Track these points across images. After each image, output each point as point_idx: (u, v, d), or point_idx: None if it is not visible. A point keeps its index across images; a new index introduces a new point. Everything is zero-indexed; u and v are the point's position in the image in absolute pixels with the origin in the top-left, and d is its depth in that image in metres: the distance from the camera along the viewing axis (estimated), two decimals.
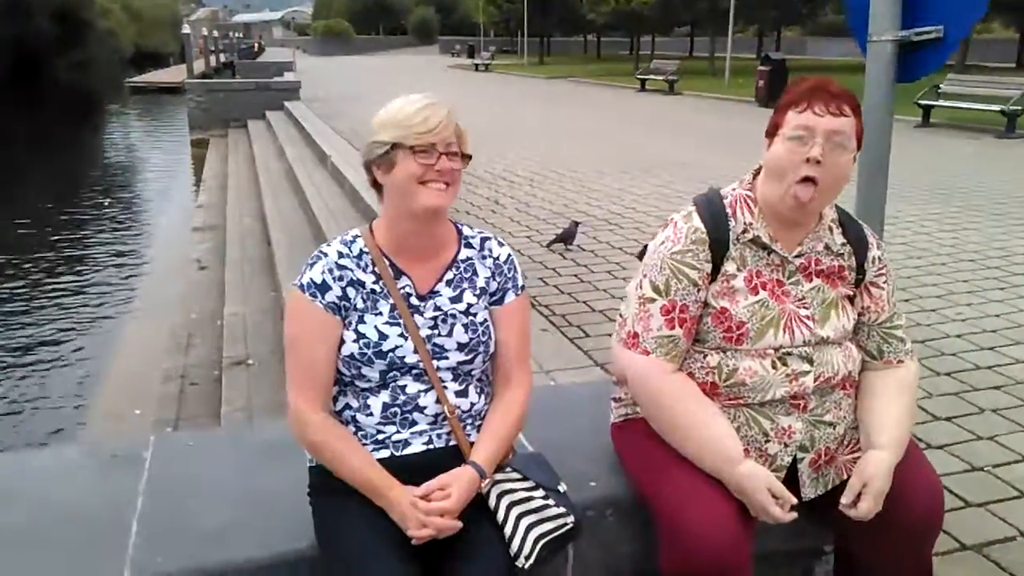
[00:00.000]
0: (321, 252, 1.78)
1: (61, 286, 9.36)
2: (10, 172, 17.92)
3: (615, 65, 41.44)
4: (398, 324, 1.75)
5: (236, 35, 77.36)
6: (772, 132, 1.87)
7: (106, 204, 14.36)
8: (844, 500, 1.81)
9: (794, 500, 1.79)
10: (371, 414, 1.76)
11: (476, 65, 44.28)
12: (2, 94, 34.50)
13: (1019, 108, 13.66)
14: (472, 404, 1.83)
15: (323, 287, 1.73)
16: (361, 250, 1.78)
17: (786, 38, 53.52)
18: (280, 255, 7.60)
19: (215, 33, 55.50)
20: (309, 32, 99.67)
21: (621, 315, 2.01)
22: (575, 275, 5.74)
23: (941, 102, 14.86)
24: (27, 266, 10.09)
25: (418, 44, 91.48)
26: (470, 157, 1.77)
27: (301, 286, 1.75)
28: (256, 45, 71.57)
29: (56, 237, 11.60)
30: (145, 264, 10.54)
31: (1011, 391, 3.80)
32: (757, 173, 1.95)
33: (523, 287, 1.91)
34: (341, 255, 1.77)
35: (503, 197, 8.61)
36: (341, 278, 1.74)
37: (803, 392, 1.87)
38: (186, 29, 39.54)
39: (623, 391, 2.09)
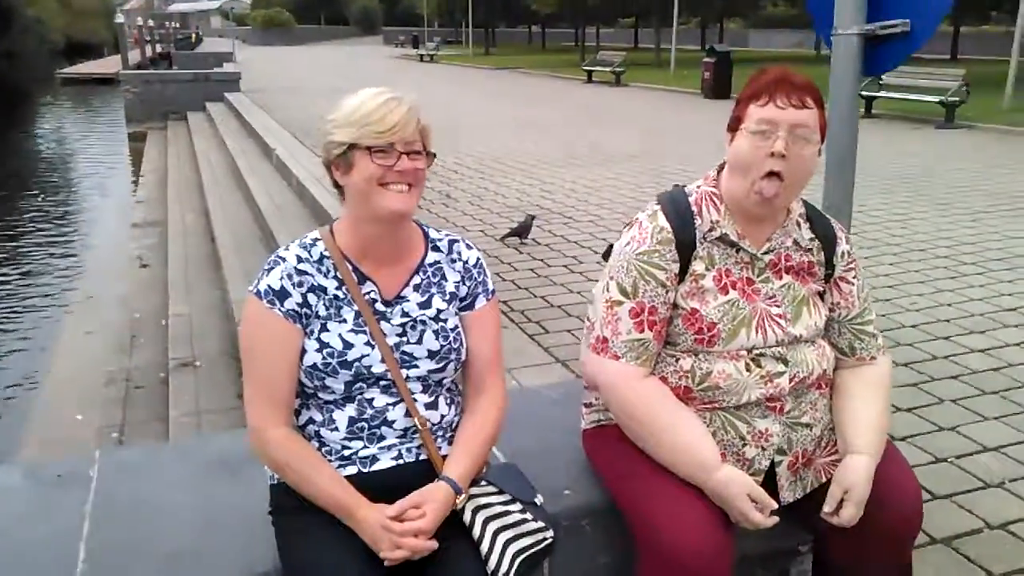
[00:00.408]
0: (279, 257, 1.66)
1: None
2: None
3: (561, 56, 41.49)
4: (364, 331, 1.64)
5: (173, 25, 75.28)
6: (734, 126, 1.81)
7: (39, 200, 13.82)
8: (826, 508, 1.77)
9: (774, 505, 1.74)
10: (336, 429, 1.65)
11: (421, 56, 43.93)
12: None
13: (956, 99, 14.01)
14: (442, 416, 1.73)
15: (282, 294, 1.62)
16: (322, 254, 1.67)
17: (729, 30, 54.20)
18: (225, 252, 7.38)
19: (151, 22, 53.88)
20: (249, 22, 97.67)
21: (589, 319, 1.94)
22: (531, 269, 5.67)
23: (883, 93, 15.17)
24: None
25: (361, 35, 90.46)
26: (434, 155, 1.66)
27: (258, 293, 1.62)
28: (193, 35, 69.85)
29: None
30: (83, 263, 10.15)
31: (968, 380, 3.85)
32: (721, 169, 1.90)
33: (493, 291, 1.82)
34: (300, 259, 1.65)
35: (455, 190, 8.50)
36: (301, 284, 1.63)
37: (779, 393, 1.82)
38: (120, 18, 38.35)
39: (594, 396, 2.02)
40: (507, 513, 1.65)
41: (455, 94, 22.49)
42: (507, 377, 3.82)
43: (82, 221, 12.41)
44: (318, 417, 1.67)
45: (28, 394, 6.31)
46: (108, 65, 41.50)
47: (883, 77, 15.08)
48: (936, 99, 14.21)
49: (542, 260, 5.87)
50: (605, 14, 44.34)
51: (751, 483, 1.74)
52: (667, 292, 1.81)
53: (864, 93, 15.07)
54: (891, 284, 5.31)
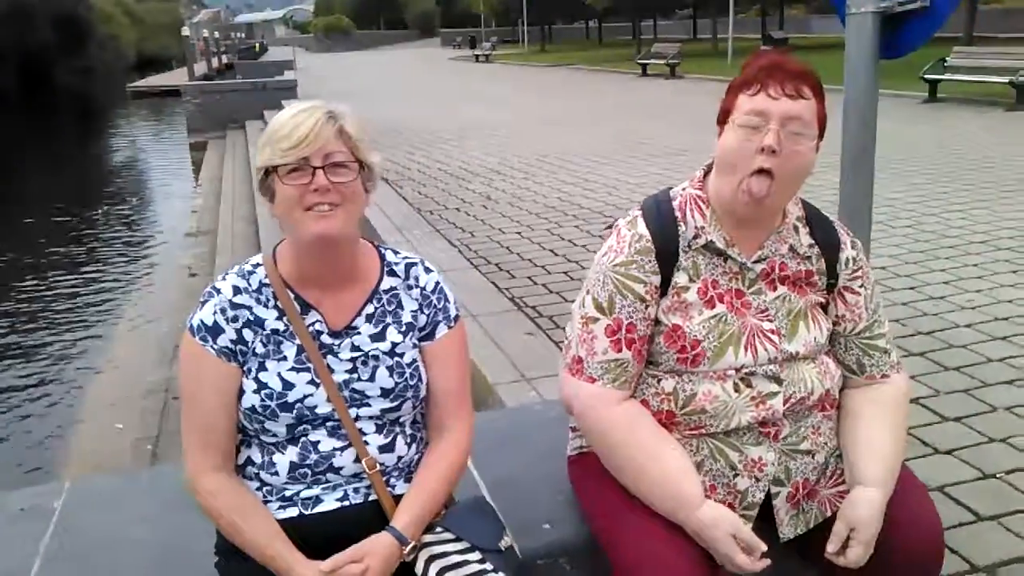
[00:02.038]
0: (213, 288, 1.52)
1: (53, 293, 9.20)
2: (10, 182, 17.82)
3: (617, 51, 40.98)
4: (307, 369, 1.49)
5: (238, 36, 77.14)
6: (723, 119, 1.63)
7: (104, 211, 14.21)
8: (830, 548, 1.57)
9: (764, 547, 1.55)
10: (276, 473, 1.52)
11: (476, 56, 43.94)
12: (10, 103, 34.50)
13: None
14: (400, 457, 1.58)
15: (214, 330, 1.48)
16: (261, 282, 1.51)
17: (790, 16, 52.76)
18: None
19: (216, 34, 55.23)
20: (310, 29, 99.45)
21: (567, 337, 1.78)
22: (565, 272, 5.51)
23: (948, 76, 14.47)
24: (22, 273, 9.95)
25: (419, 37, 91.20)
26: (368, 167, 1.48)
27: (191, 328, 1.49)
28: (257, 45, 71.41)
29: (52, 245, 11.44)
30: (138, 272, 10.36)
31: None
32: (709, 170, 1.72)
33: (456, 316, 1.64)
34: (237, 291, 1.50)
35: (495, 192, 8.38)
36: (235, 319, 1.49)
37: (772, 417, 1.64)
38: (186, 31, 39.45)
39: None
40: (464, 563, 1.49)
41: (504, 93, 22.40)
42: (525, 388, 3.70)
43: (140, 231, 12.70)
44: (258, 458, 1.54)
45: (73, 401, 6.42)
46: (175, 77, 42.64)
47: (948, 59, 14.43)
48: (1005, 80, 13.47)
49: (577, 263, 5.70)
50: (661, 5, 43.64)
51: (737, 522, 1.56)
52: (647, 307, 1.64)
53: (928, 76, 14.43)
54: (946, 280, 4.98)
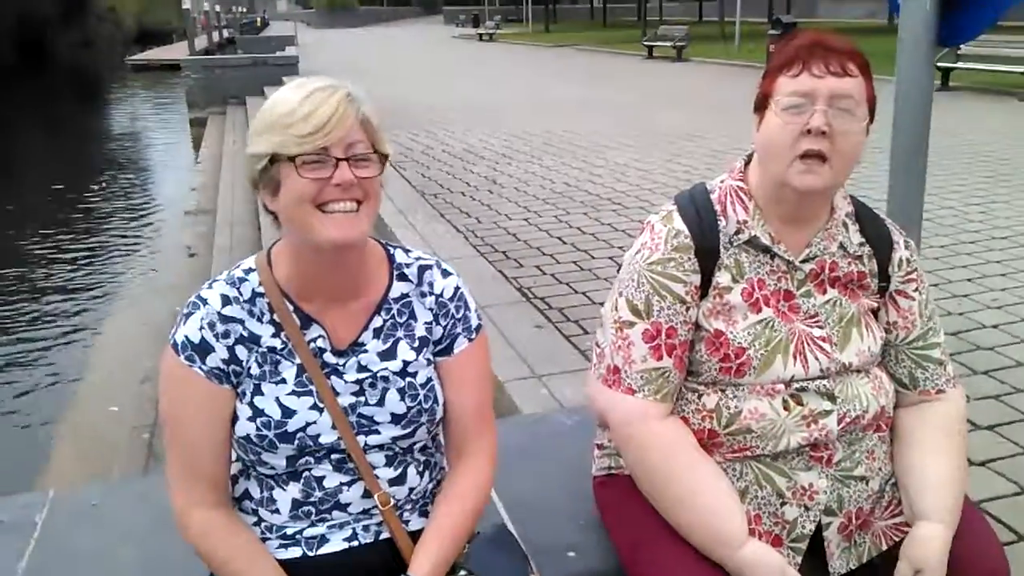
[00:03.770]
0: (199, 298, 1.31)
1: (49, 272, 9.05)
2: (7, 157, 17.60)
3: (622, 32, 40.54)
4: (308, 392, 1.31)
5: (240, 9, 76.37)
6: (761, 104, 1.47)
7: (101, 187, 14.01)
8: None
9: None
10: (277, 511, 1.35)
11: (480, 35, 43.48)
12: (9, 76, 34.13)
13: None
14: (412, 488, 1.40)
15: (202, 348, 1.28)
16: (254, 291, 1.31)
17: (797, 1, 52.26)
18: (267, 240, 7.24)
19: (217, 8, 54.68)
20: (313, 4, 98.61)
21: (598, 344, 1.63)
22: (574, 262, 5.34)
23: (961, 64, 14.23)
24: (17, 251, 9.78)
25: (423, 14, 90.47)
26: (386, 156, 1.28)
27: (174, 345, 1.30)
28: (259, 19, 70.76)
29: (48, 222, 11.26)
30: (136, 251, 10.21)
31: None
32: (749, 160, 1.56)
33: (479, 327, 1.45)
34: (226, 301, 1.30)
35: (500, 175, 8.19)
36: (227, 334, 1.29)
37: (825, 438, 1.49)
38: (187, 4, 38.93)
39: (607, 437, 1.70)
40: None
41: (509, 73, 22.11)
42: (536, 386, 3.55)
43: (139, 208, 12.52)
44: (256, 493, 1.37)
45: (68, 383, 6.29)
46: (176, 51, 42.17)
47: (961, 46, 14.18)
48: (1021, 69, 13.24)
49: (586, 251, 5.53)
50: None
51: (782, 566, 1.41)
52: (687, 309, 1.49)
53: (940, 64, 14.17)
54: (969, 277, 4.82)
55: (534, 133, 10.87)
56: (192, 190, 12.05)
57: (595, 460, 1.77)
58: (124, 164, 17.07)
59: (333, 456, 1.32)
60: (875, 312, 1.59)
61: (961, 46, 14.37)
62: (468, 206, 6.93)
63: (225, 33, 49.76)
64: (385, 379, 1.35)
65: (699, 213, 1.53)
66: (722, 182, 1.58)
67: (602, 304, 1.65)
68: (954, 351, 3.76)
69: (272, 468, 1.32)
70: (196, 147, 16.18)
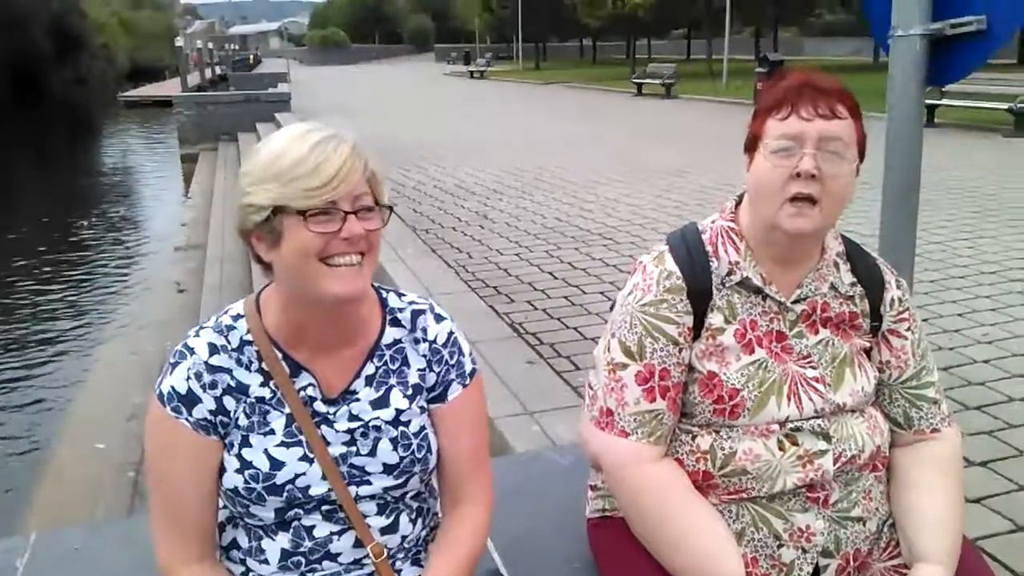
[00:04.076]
0: (185, 347, 1.27)
1: (37, 307, 8.99)
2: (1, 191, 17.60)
3: (611, 69, 41.08)
4: (298, 443, 1.26)
5: (232, 47, 77.03)
6: (751, 146, 1.46)
7: (92, 222, 14.00)
8: None
9: None
10: (266, 561, 1.31)
11: (471, 72, 43.95)
12: (3, 113, 34.26)
13: None
14: (404, 536, 1.37)
15: (189, 399, 1.24)
16: (242, 339, 1.27)
17: (783, 39, 53.09)
18: (257, 278, 7.22)
19: (211, 45, 55.16)
20: (306, 42, 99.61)
21: (590, 386, 1.61)
22: (565, 297, 5.34)
23: (946, 101, 14.45)
24: (5, 284, 9.73)
25: (415, 52, 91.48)
26: (391, 209, 1.24)
27: (160, 396, 1.25)
28: (252, 56, 71.40)
29: (37, 258, 11.22)
30: (125, 286, 10.16)
31: None
32: (740, 200, 1.56)
33: (473, 371, 1.40)
34: (214, 350, 1.26)
35: (492, 211, 8.22)
36: (214, 384, 1.25)
37: (822, 479, 1.47)
38: (179, 42, 39.28)
39: (600, 478, 1.68)
40: None
41: (499, 110, 22.33)
42: (528, 423, 3.52)
43: (128, 244, 12.49)
44: (244, 542, 1.33)
45: (54, 419, 6.22)
46: (168, 88, 42.46)
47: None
48: (1005, 106, 13.45)
49: (578, 287, 5.54)
50: (656, 26, 43.81)
51: None
52: (680, 351, 1.47)
53: (926, 102, 14.38)
54: (959, 312, 4.84)
55: (525, 169, 10.94)
56: (182, 226, 12.05)
57: (589, 501, 1.74)
58: (115, 199, 17.09)
59: (323, 507, 1.28)
60: (868, 352, 1.58)
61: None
62: (459, 241, 6.94)
63: (218, 70, 50.16)
64: (377, 428, 1.31)
65: (691, 254, 1.52)
66: (713, 222, 1.57)
67: (594, 339, 1.63)
68: (946, 386, 3.74)
69: (260, 520, 1.29)
70: (187, 183, 16.20)
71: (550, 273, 5.91)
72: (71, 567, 1.76)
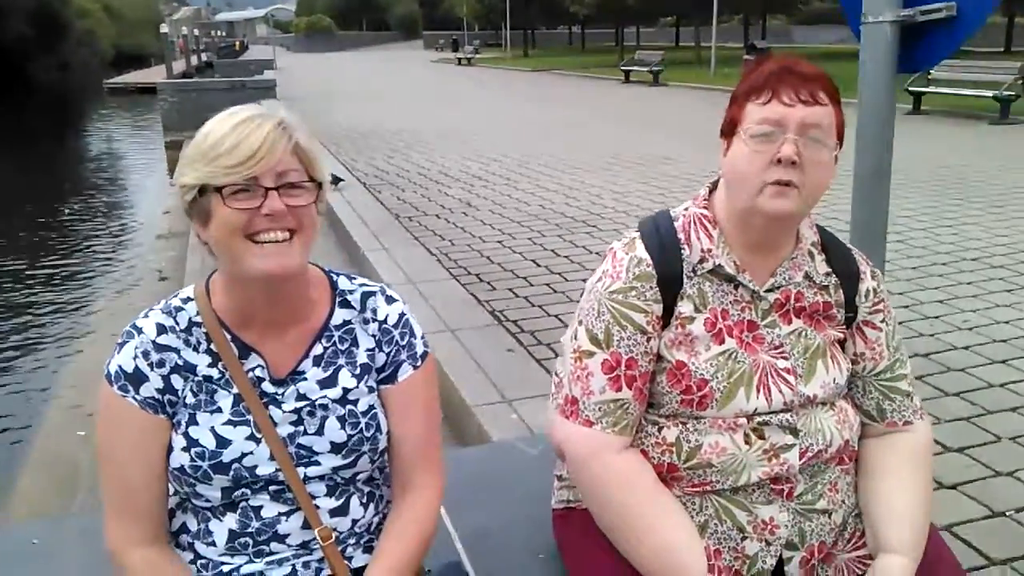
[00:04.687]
0: (133, 327, 1.28)
1: (15, 294, 8.90)
2: None
3: (600, 57, 40.96)
4: (245, 422, 1.26)
5: (218, 34, 76.43)
6: (729, 130, 1.43)
7: (74, 209, 13.86)
8: None
9: None
10: (213, 543, 1.29)
11: (459, 59, 43.74)
12: None
13: (1012, 94, 13.28)
14: (355, 520, 1.35)
15: (136, 377, 1.24)
16: (191, 320, 1.28)
17: (772, 27, 53.10)
18: None
19: (196, 32, 54.73)
20: (292, 29, 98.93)
21: (557, 374, 1.58)
22: (548, 284, 5.31)
23: (932, 88, 14.47)
24: None
25: (403, 39, 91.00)
26: (321, 185, 1.25)
27: (108, 375, 1.26)
28: (238, 44, 70.87)
29: (18, 244, 11.11)
30: (107, 274, 10.07)
31: None
32: (714, 187, 1.53)
33: (424, 354, 1.40)
34: (162, 330, 1.27)
35: (476, 198, 8.17)
36: (161, 363, 1.25)
37: (787, 472, 1.44)
38: (164, 28, 38.96)
39: (565, 468, 1.66)
40: None
41: (486, 97, 22.22)
42: (507, 411, 3.50)
43: (110, 231, 12.36)
44: (192, 526, 1.31)
45: (34, 408, 6.16)
46: (153, 75, 42.07)
47: (932, 71, 14.41)
48: (990, 94, 13.48)
49: (560, 274, 5.51)
50: (644, 14, 43.69)
51: None
52: (648, 340, 1.44)
53: (912, 88, 14.42)
54: (940, 299, 4.83)
55: (510, 156, 10.89)
56: (165, 213, 11.95)
57: (555, 492, 1.72)
58: (99, 186, 16.93)
59: (271, 487, 1.28)
60: (842, 343, 1.55)
61: (932, 71, 14.63)
62: (442, 229, 6.90)
63: (203, 57, 49.77)
64: (324, 407, 1.30)
65: (662, 241, 1.49)
66: (686, 209, 1.54)
67: None
68: (925, 373, 3.78)
69: (208, 500, 1.28)
70: (171, 170, 16.05)
71: (533, 261, 5.88)
72: (28, 561, 1.72)
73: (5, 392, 6.43)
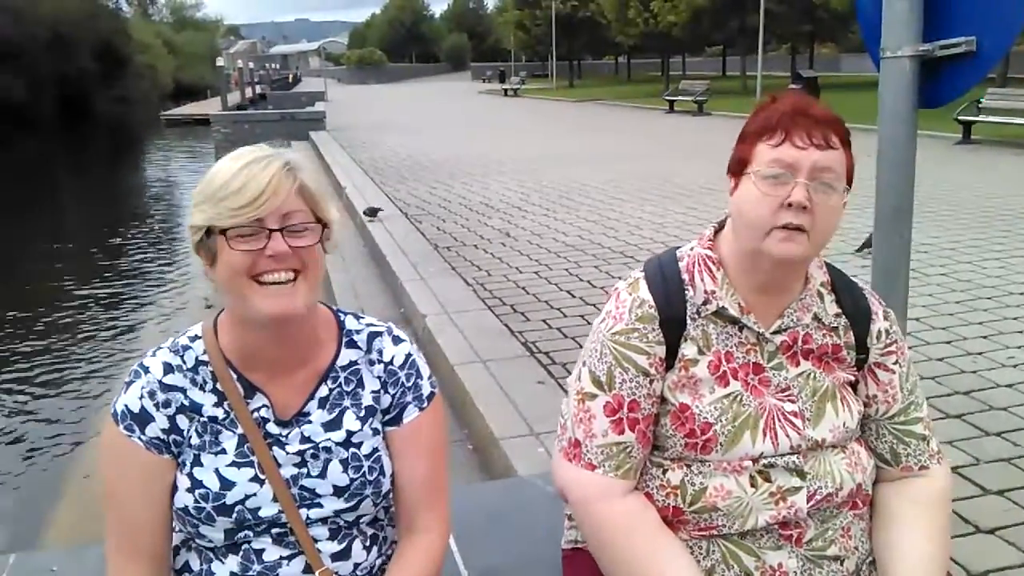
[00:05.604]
0: (141, 366, 1.29)
1: (68, 322, 9.15)
2: (40, 208, 18.03)
3: (645, 87, 41.03)
4: (249, 463, 1.27)
5: (272, 66, 78.49)
6: (738, 169, 1.42)
7: (131, 236, 14.28)
8: None
9: None
10: None
11: (505, 90, 44.18)
12: (50, 131, 35.23)
13: None
14: (357, 564, 1.35)
15: (142, 418, 1.26)
16: (198, 359, 1.29)
17: (820, 55, 52.70)
18: None
19: (251, 65, 56.23)
20: (343, 62, 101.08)
21: (562, 415, 1.58)
22: (582, 316, 5.30)
23: (982, 117, 14.17)
24: (40, 305, 9.93)
25: (451, 70, 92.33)
26: (326, 226, 1.26)
27: (114, 414, 1.27)
28: (291, 76, 72.64)
29: (73, 275, 11.45)
30: (157, 302, 10.32)
31: None
32: (720, 228, 1.52)
33: (431, 395, 1.40)
34: (169, 369, 1.28)
35: (515, 228, 8.21)
36: (167, 403, 1.27)
37: (795, 517, 1.42)
38: (220, 62, 40.17)
39: None
40: None
41: (531, 127, 22.38)
42: (533, 444, 3.49)
43: (162, 260, 12.69)
44: (195, 565, 1.33)
45: (76, 434, 6.31)
46: (209, 106, 43.34)
47: (982, 100, 14.13)
48: None
49: (594, 306, 5.49)
50: (690, 43, 43.70)
51: None
52: (651, 382, 1.43)
53: (961, 118, 14.14)
54: (985, 335, 4.70)
55: (552, 186, 10.93)
56: None
57: (565, 531, 1.71)
58: (154, 214, 17.42)
59: (274, 530, 1.28)
60: (853, 386, 1.53)
61: (983, 100, 14.35)
62: (480, 259, 6.94)
63: (258, 89, 51.08)
64: (328, 450, 1.30)
65: (666, 282, 1.48)
66: (692, 249, 1.53)
67: None
68: (965, 411, 3.68)
69: (210, 541, 1.29)
70: None
71: (568, 291, 5.88)
72: None
73: (47, 417, 6.59)
